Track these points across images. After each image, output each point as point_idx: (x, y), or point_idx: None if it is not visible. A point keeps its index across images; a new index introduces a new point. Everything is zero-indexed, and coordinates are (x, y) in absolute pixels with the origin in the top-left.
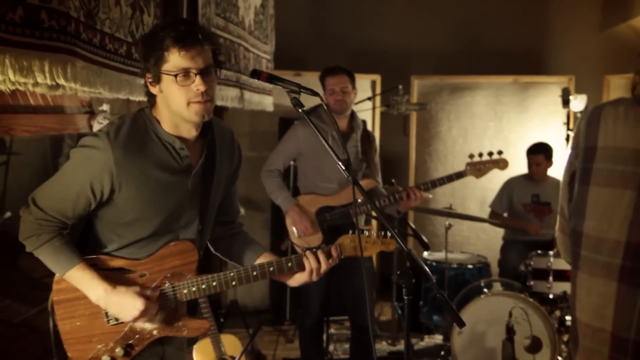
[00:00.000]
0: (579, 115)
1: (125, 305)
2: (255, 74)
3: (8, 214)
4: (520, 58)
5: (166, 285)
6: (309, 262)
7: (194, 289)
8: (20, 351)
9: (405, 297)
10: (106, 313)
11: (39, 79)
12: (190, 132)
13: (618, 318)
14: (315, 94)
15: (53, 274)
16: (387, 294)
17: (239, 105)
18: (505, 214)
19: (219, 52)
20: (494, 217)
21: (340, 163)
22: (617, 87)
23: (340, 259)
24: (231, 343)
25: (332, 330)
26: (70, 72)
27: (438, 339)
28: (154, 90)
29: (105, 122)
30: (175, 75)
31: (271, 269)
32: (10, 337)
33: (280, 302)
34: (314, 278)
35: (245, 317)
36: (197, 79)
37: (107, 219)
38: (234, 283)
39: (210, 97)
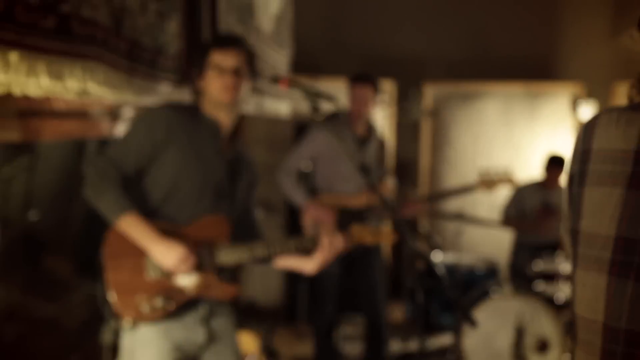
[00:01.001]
0: None
1: (169, 251)
2: (275, 79)
3: (34, 215)
4: (530, 64)
5: (203, 249)
6: (325, 238)
7: (229, 253)
8: (42, 349)
9: (420, 299)
10: (149, 267)
11: (70, 85)
12: (224, 119)
13: (609, 309)
14: (332, 99)
15: (76, 274)
16: (398, 294)
17: (257, 112)
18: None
19: (252, 58)
20: (508, 222)
21: (356, 168)
22: (627, 93)
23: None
24: (247, 341)
25: (345, 329)
26: (99, 78)
27: (448, 339)
28: (199, 84)
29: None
30: (213, 67)
31: (292, 245)
32: (32, 334)
33: (294, 301)
34: (329, 254)
35: (261, 316)
36: (228, 74)
37: (153, 181)
38: (260, 253)
39: (238, 91)
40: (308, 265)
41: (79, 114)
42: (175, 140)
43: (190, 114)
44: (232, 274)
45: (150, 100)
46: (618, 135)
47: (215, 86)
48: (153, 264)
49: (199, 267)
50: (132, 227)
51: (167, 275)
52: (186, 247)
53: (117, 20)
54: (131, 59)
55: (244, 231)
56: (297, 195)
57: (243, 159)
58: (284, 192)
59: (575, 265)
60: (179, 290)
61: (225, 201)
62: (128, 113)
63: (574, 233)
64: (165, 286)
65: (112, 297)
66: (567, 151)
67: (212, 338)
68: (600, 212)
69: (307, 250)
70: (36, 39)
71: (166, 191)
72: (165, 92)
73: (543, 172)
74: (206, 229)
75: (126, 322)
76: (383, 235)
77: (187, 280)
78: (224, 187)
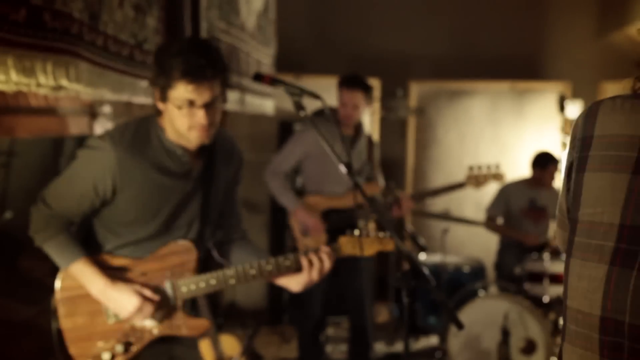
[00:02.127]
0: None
1: (122, 300)
2: (258, 77)
3: (9, 214)
4: (517, 63)
5: (165, 283)
6: (306, 260)
7: (192, 287)
8: (20, 352)
9: (405, 300)
10: (107, 311)
11: (42, 80)
12: (191, 144)
13: (609, 301)
14: (317, 97)
15: (53, 274)
16: (383, 296)
17: (240, 109)
18: (500, 218)
19: (227, 81)
20: (491, 222)
21: (343, 167)
22: (613, 93)
23: (338, 258)
24: (230, 343)
25: (329, 332)
26: (73, 74)
27: (434, 340)
28: (160, 105)
29: (107, 124)
30: (179, 107)
31: (270, 268)
32: (9, 337)
33: (278, 303)
34: (315, 277)
35: (244, 318)
36: (201, 113)
37: (108, 218)
38: (232, 282)
39: (212, 125)
40: (292, 284)
41: (55, 110)
42: (127, 182)
43: (147, 142)
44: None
45: (128, 96)
46: (622, 121)
47: (183, 122)
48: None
49: (162, 305)
50: (82, 275)
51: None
52: (142, 293)
53: (93, 14)
54: (108, 54)
55: (225, 231)
56: (285, 199)
57: (215, 167)
58: (272, 193)
59: (569, 255)
60: (143, 332)
61: (195, 221)
62: (106, 110)
63: (572, 222)
64: (127, 330)
65: (68, 346)
66: (553, 150)
67: (179, 350)
68: (603, 199)
69: (289, 269)
70: (5, 32)
71: (123, 227)
72: (143, 88)
73: (530, 171)
74: (172, 258)
75: None
76: (371, 247)
77: (150, 322)
78: (192, 206)
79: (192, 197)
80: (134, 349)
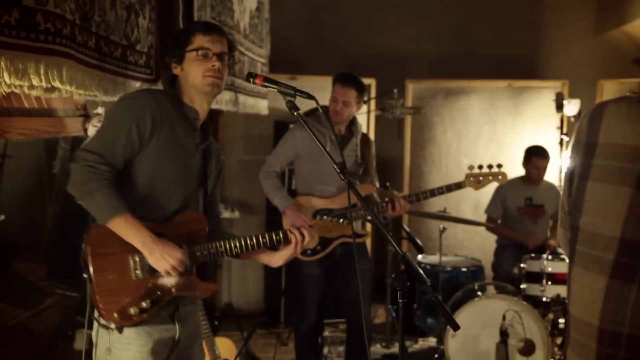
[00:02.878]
0: (572, 119)
1: (166, 254)
2: (251, 77)
3: (2, 217)
4: (514, 62)
5: (184, 247)
6: (295, 235)
7: (205, 252)
8: (14, 355)
9: (400, 300)
10: (134, 269)
11: (35, 82)
12: (202, 107)
13: (608, 313)
14: (310, 97)
15: (47, 278)
16: (381, 297)
17: (234, 109)
18: (499, 219)
19: (233, 48)
20: (493, 225)
21: (335, 166)
22: (610, 91)
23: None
24: (225, 346)
25: (326, 333)
26: (66, 75)
27: (432, 341)
28: (176, 71)
29: (100, 124)
30: (197, 50)
31: (263, 240)
32: (3, 341)
33: (274, 305)
34: (298, 250)
35: (240, 320)
36: (214, 58)
37: (135, 170)
38: (236, 250)
39: (222, 77)
40: (274, 259)
41: (48, 112)
42: (160, 130)
43: (171, 102)
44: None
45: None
46: (627, 130)
47: (198, 71)
48: (140, 264)
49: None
50: (126, 229)
51: (154, 275)
52: (181, 250)
53: (85, 15)
54: (100, 55)
55: (211, 222)
56: (276, 199)
57: (212, 148)
58: (265, 194)
59: (572, 262)
60: (164, 290)
61: (200, 192)
62: (100, 111)
63: (573, 229)
64: (151, 287)
65: (98, 300)
66: (551, 148)
67: (183, 332)
68: (605, 211)
69: (278, 244)
70: None
71: (150, 183)
72: (136, 89)
73: (524, 167)
74: (187, 225)
75: (110, 326)
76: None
77: (172, 280)
78: (200, 177)
79: (196, 170)
80: (157, 306)
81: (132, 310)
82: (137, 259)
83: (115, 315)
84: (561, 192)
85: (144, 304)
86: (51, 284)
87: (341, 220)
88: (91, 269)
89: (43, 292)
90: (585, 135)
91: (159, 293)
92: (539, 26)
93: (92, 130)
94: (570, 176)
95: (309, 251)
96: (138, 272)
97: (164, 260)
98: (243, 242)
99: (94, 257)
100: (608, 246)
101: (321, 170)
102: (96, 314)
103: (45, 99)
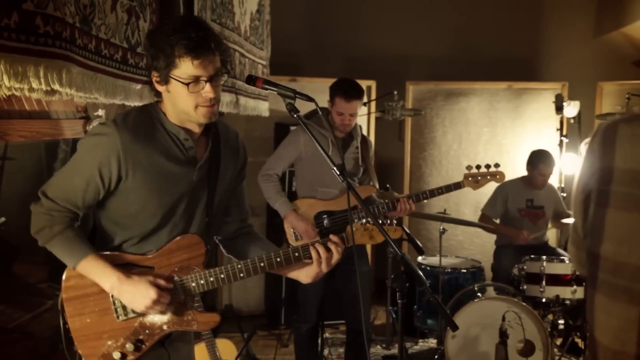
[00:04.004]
0: (572, 121)
1: (138, 293)
2: (251, 79)
3: (2, 219)
4: (514, 64)
5: (175, 278)
6: (316, 251)
7: (202, 281)
8: (15, 357)
9: (399, 301)
10: (116, 309)
11: (35, 85)
12: (194, 127)
13: None
14: (310, 99)
15: (47, 280)
16: (381, 298)
17: (234, 111)
18: (497, 219)
19: (227, 57)
20: (484, 221)
21: (335, 168)
22: (609, 93)
23: (347, 246)
24: (226, 347)
25: (327, 335)
26: (66, 78)
27: (432, 342)
28: (160, 88)
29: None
30: (187, 84)
31: (278, 259)
32: (4, 343)
33: (275, 307)
34: (324, 269)
35: (240, 322)
36: (207, 87)
37: (113, 210)
38: (241, 275)
39: (218, 100)
40: (302, 276)
41: (49, 114)
42: (133, 170)
43: (154, 123)
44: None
45: (120, 100)
46: None
47: (189, 102)
48: (120, 304)
49: (172, 301)
50: (92, 272)
51: (138, 314)
52: (155, 286)
53: (85, 18)
54: (101, 58)
55: (234, 228)
56: (277, 203)
57: (223, 148)
58: (266, 198)
59: (593, 288)
60: (154, 329)
61: (201, 213)
62: (100, 113)
63: (592, 256)
64: (138, 327)
65: (77, 346)
66: (550, 150)
67: (175, 356)
68: (629, 239)
69: (297, 261)
70: None
71: (134, 223)
72: (137, 91)
73: (528, 171)
74: (179, 253)
75: None
76: (389, 232)
77: (162, 317)
78: (198, 196)
79: (198, 188)
80: (145, 346)
81: (116, 356)
82: (116, 298)
83: (99, 359)
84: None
85: (128, 347)
86: (51, 287)
87: (389, 222)
88: (67, 314)
89: (43, 295)
90: (599, 159)
91: (147, 332)
92: (538, 28)
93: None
94: (584, 200)
95: (317, 241)
96: (119, 312)
97: (135, 301)
98: (253, 268)
99: (67, 301)
100: (635, 275)
101: (323, 172)
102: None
103: (46, 102)
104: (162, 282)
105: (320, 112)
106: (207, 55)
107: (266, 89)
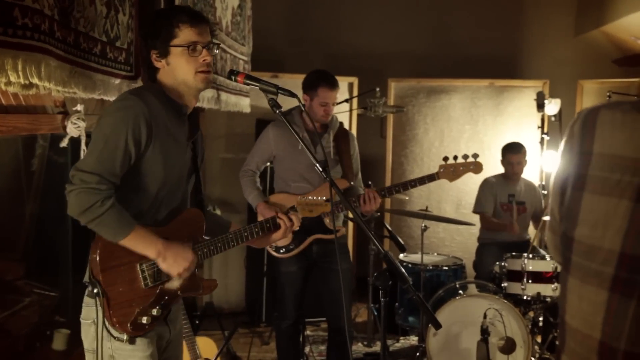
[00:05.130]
0: (553, 119)
1: (180, 256)
2: (233, 74)
3: None
4: (496, 62)
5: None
6: (284, 220)
7: (206, 250)
8: None
9: (381, 299)
10: (144, 277)
11: (12, 78)
12: (191, 102)
13: (608, 327)
14: (293, 95)
15: (24, 277)
16: (363, 296)
17: (215, 107)
18: (491, 213)
19: (214, 34)
20: (486, 221)
21: (317, 164)
22: (590, 91)
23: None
24: (206, 345)
25: (308, 332)
26: (44, 71)
27: (414, 340)
28: (158, 64)
29: (80, 122)
30: (188, 47)
31: (256, 229)
32: None
33: (255, 304)
34: (286, 235)
35: (221, 319)
36: (204, 52)
37: (136, 178)
38: (232, 244)
39: (212, 69)
40: (264, 242)
41: (26, 108)
42: (155, 135)
43: (160, 101)
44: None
45: (99, 94)
46: (625, 140)
47: (190, 68)
48: (147, 271)
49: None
50: (139, 242)
51: (161, 281)
52: (192, 250)
53: (63, 10)
54: (80, 51)
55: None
56: (250, 197)
57: (199, 137)
58: (243, 192)
59: (567, 271)
60: (171, 294)
61: (189, 187)
62: (79, 108)
63: (567, 239)
64: (159, 293)
65: (112, 314)
66: (532, 147)
67: (173, 332)
68: (604, 224)
69: (269, 231)
70: None
71: (152, 189)
72: (116, 86)
73: (502, 164)
74: (187, 224)
75: (123, 338)
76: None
77: (177, 283)
78: (189, 172)
79: (188, 164)
80: (167, 309)
81: (145, 320)
82: (144, 267)
83: (129, 326)
84: (541, 194)
85: (154, 312)
86: (29, 283)
87: (323, 198)
88: (103, 283)
89: (21, 292)
90: (579, 143)
91: (166, 297)
92: (520, 26)
93: (71, 128)
94: (562, 184)
95: (282, 249)
96: (147, 280)
97: (176, 264)
98: (239, 236)
99: (104, 271)
100: (607, 260)
101: (295, 167)
102: (107, 325)
103: (23, 96)
104: (190, 247)
105: (302, 108)
106: (203, 23)
107: (248, 85)
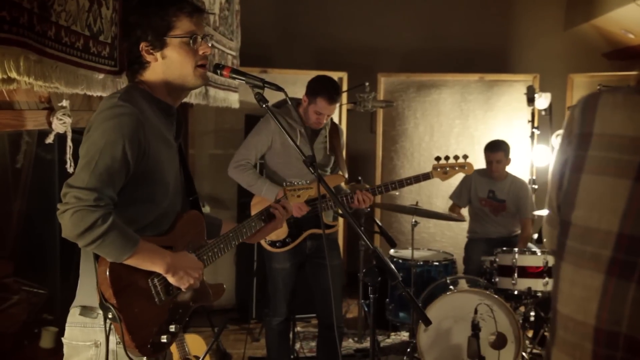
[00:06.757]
0: (543, 113)
1: (189, 267)
2: (218, 68)
3: None
4: (485, 56)
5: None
6: (279, 209)
7: (210, 254)
8: None
9: (371, 296)
10: (156, 293)
11: None
12: (175, 102)
13: (605, 312)
14: (280, 89)
15: (13, 275)
16: (353, 292)
17: (204, 102)
18: (465, 208)
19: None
20: (455, 209)
21: (305, 160)
22: (580, 85)
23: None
24: (195, 342)
25: (298, 329)
26: (24, 66)
27: (404, 336)
28: (149, 57)
29: (66, 118)
30: (190, 37)
31: (253, 223)
32: None
33: (246, 301)
34: (280, 226)
35: (211, 316)
36: (204, 43)
37: (129, 193)
38: (234, 242)
39: (208, 63)
40: (263, 234)
41: (10, 104)
42: (149, 142)
43: (148, 102)
44: None
45: (82, 89)
46: (624, 119)
47: (189, 60)
48: (160, 286)
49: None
50: (145, 259)
51: (173, 294)
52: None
53: (43, 3)
54: (61, 45)
55: None
56: (264, 189)
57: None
58: (246, 187)
59: (560, 258)
60: (184, 306)
61: (182, 190)
62: (64, 103)
63: (564, 224)
64: (173, 307)
65: (131, 338)
66: (522, 142)
67: None
68: (601, 205)
69: (265, 221)
70: None
71: (153, 199)
72: (99, 81)
73: (487, 162)
74: (189, 229)
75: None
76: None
77: (188, 294)
78: (180, 175)
79: (178, 167)
80: (182, 323)
81: (165, 339)
82: (155, 281)
83: (150, 348)
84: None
85: (172, 329)
86: (17, 281)
87: (307, 182)
88: (118, 307)
89: (9, 289)
90: (578, 125)
91: (180, 311)
92: (510, 20)
93: (56, 124)
94: (561, 169)
95: (278, 243)
96: (160, 295)
97: (187, 276)
98: (239, 234)
99: (117, 293)
100: (604, 242)
101: (291, 163)
102: (126, 351)
103: (7, 92)
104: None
105: (289, 102)
106: (201, 13)
107: (234, 79)
